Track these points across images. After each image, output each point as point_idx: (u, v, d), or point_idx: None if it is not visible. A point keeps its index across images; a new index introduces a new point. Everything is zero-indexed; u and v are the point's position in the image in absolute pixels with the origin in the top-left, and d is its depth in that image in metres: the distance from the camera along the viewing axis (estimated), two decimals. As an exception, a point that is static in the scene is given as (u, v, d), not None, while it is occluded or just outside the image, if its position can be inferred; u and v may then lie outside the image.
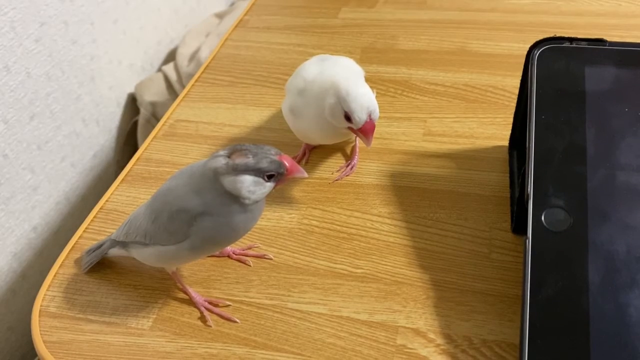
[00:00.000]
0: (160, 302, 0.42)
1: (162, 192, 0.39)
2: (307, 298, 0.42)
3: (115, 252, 0.43)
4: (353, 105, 0.44)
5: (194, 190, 0.37)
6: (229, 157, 0.36)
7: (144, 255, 0.41)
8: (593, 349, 0.31)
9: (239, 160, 0.35)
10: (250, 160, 0.36)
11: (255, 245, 0.46)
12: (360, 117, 0.44)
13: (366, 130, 0.45)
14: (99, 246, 0.44)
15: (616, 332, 0.32)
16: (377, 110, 0.45)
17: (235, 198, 0.36)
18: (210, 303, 0.42)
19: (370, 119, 0.45)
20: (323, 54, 0.54)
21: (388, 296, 0.41)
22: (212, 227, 0.37)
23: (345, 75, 0.47)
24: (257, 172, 0.36)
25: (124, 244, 0.42)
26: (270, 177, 0.36)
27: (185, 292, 0.42)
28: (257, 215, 0.38)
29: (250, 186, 0.36)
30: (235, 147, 0.36)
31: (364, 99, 0.44)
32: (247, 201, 0.36)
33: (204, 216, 0.36)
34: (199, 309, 0.41)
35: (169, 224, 0.37)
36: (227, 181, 0.36)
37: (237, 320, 0.40)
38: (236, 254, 0.45)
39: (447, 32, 0.69)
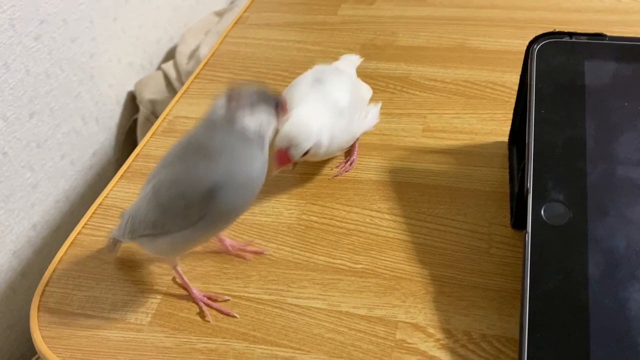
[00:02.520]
0: (159, 298, 0.42)
1: (166, 184, 0.37)
2: (307, 293, 0.41)
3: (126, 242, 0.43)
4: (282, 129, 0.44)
5: (206, 162, 0.35)
6: (229, 103, 0.36)
7: (154, 246, 0.40)
8: (593, 343, 0.31)
9: (240, 99, 0.35)
10: (249, 95, 0.36)
11: (255, 241, 0.45)
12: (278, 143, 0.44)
13: (275, 157, 0.44)
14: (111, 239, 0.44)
15: (616, 326, 0.32)
16: (301, 147, 0.44)
17: (248, 142, 0.35)
18: (209, 298, 0.42)
19: (285, 149, 0.44)
20: (323, 50, 0.53)
21: (387, 291, 0.41)
22: (235, 181, 0.35)
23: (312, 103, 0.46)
24: (262, 99, 0.36)
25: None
26: (272, 109, 0.37)
27: (186, 287, 0.42)
28: (265, 167, 0.38)
29: (263, 116, 0.36)
30: (227, 92, 0.36)
31: (293, 129, 0.43)
32: (264, 136, 0.36)
33: (226, 180, 0.35)
34: (197, 304, 0.41)
35: (186, 210, 0.36)
36: (244, 120, 0.35)
37: (236, 315, 0.40)
38: (235, 249, 0.45)
39: (446, 28, 0.69)
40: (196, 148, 0.36)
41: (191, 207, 0.36)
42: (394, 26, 0.70)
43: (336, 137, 0.47)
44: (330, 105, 0.46)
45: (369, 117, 0.51)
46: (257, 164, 0.36)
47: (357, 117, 0.49)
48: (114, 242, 0.44)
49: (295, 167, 0.52)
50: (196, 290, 0.42)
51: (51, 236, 0.67)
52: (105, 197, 0.51)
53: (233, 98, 0.36)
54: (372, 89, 0.55)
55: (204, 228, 0.37)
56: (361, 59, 0.58)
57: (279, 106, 0.37)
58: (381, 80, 0.62)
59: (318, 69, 0.51)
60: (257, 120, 0.36)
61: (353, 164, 0.51)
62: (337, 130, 0.46)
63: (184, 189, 0.36)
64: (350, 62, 0.57)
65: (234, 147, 0.35)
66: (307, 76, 0.49)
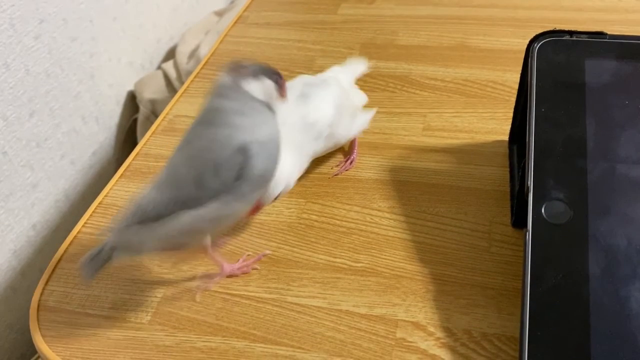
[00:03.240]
0: (159, 296, 0.42)
1: (185, 160, 0.36)
2: (307, 292, 0.41)
3: (120, 256, 0.38)
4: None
5: (224, 128, 0.35)
6: (233, 73, 0.36)
7: (174, 226, 0.36)
8: (593, 341, 0.31)
9: (243, 69, 0.36)
10: (252, 67, 0.37)
11: (247, 254, 0.45)
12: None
13: None
14: (99, 252, 0.38)
15: (616, 324, 0.32)
16: (270, 195, 0.43)
17: (259, 104, 0.36)
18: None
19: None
20: (323, 49, 0.53)
21: (387, 290, 0.41)
22: (260, 140, 0.35)
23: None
24: (264, 72, 0.37)
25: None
26: (274, 82, 0.37)
27: (217, 263, 0.42)
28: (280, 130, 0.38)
29: (267, 83, 0.37)
30: (230, 65, 0.37)
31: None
32: (270, 102, 0.37)
33: (253, 142, 0.35)
34: (234, 275, 0.43)
35: (215, 179, 0.35)
36: (250, 85, 0.36)
37: (257, 266, 0.43)
38: (240, 270, 0.43)
39: (446, 27, 0.69)
40: (208, 121, 0.36)
41: (219, 177, 0.34)
42: (394, 25, 0.70)
43: (313, 154, 0.47)
44: (308, 128, 0.45)
45: (356, 124, 0.50)
46: (273, 123, 0.36)
47: (343, 125, 0.48)
48: (102, 257, 0.38)
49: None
50: (228, 265, 0.43)
51: (51, 235, 0.67)
52: (105, 196, 0.51)
53: (236, 69, 0.36)
54: (372, 88, 0.55)
55: (235, 200, 0.35)
56: (367, 65, 0.57)
57: (279, 82, 0.38)
58: (381, 79, 0.62)
59: (306, 81, 0.49)
60: (262, 86, 0.36)
61: (353, 162, 0.51)
62: (314, 150, 0.46)
63: (207, 158, 0.35)
64: (352, 69, 0.55)
65: (245, 110, 0.35)
66: (293, 91, 0.47)
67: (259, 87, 0.36)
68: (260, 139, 0.35)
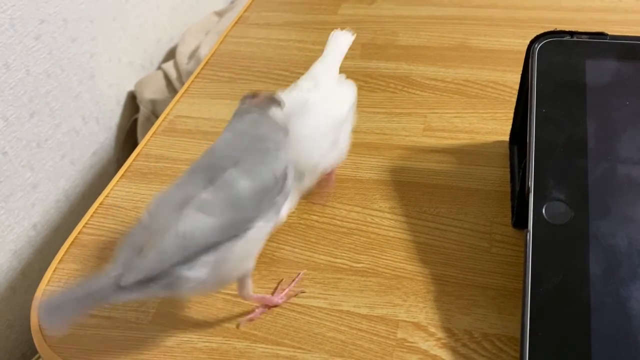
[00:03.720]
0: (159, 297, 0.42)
1: (248, 173, 0.35)
2: (307, 292, 0.41)
3: (128, 297, 0.32)
4: None
5: (273, 144, 0.38)
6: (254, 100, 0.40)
7: (230, 260, 0.34)
8: (594, 342, 0.31)
9: (262, 97, 0.40)
10: (267, 95, 0.40)
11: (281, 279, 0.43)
12: None
13: None
14: (87, 295, 0.31)
15: (617, 324, 0.32)
16: None
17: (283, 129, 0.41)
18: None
19: None
20: (324, 50, 0.49)
21: (388, 290, 0.41)
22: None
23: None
24: (276, 102, 0.41)
25: (157, 278, 0.32)
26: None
27: (266, 302, 0.40)
28: None
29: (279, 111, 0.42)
30: (249, 94, 0.41)
31: None
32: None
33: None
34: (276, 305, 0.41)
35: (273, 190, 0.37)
36: (274, 110, 0.40)
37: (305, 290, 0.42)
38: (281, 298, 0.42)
39: (447, 27, 0.69)
40: (251, 138, 0.38)
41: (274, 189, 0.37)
42: (395, 25, 0.70)
43: (298, 193, 0.44)
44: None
45: (344, 133, 0.46)
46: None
47: (330, 155, 0.45)
48: (93, 300, 0.31)
49: None
50: (276, 296, 0.41)
51: (51, 236, 0.67)
52: (106, 196, 0.51)
53: (256, 95, 0.40)
54: (373, 88, 0.55)
55: (274, 213, 0.37)
56: (352, 36, 0.50)
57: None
58: (382, 79, 0.62)
59: (285, 109, 0.42)
60: (280, 113, 0.41)
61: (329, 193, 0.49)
62: (298, 191, 0.43)
63: (269, 175, 0.36)
64: (335, 55, 0.48)
65: (283, 131, 0.40)
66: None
67: (280, 114, 0.40)
68: (290, 159, 0.39)
